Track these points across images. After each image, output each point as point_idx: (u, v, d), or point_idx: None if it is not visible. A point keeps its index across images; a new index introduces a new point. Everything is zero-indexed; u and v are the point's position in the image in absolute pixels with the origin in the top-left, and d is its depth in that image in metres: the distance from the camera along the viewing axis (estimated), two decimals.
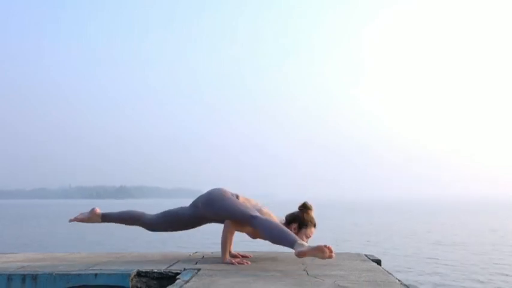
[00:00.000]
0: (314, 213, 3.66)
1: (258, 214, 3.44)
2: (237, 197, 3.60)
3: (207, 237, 19.32)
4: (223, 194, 3.57)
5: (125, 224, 3.91)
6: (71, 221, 3.96)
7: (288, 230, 3.35)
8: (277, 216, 3.64)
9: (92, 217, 3.91)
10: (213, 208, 3.54)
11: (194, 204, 3.70)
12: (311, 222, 3.60)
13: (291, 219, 3.59)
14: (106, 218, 3.91)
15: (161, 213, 3.82)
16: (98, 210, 3.91)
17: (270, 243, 3.54)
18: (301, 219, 3.57)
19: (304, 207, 3.64)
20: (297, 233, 3.53)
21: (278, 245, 3.58)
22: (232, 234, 3.50)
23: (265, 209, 3.57)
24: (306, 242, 3.58)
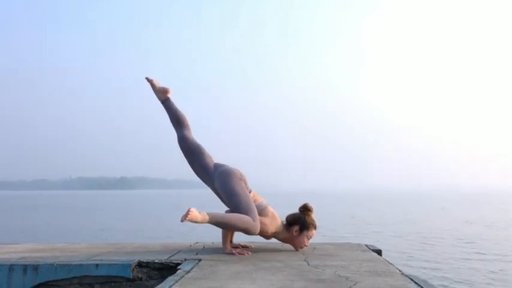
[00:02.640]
0: (314, 215, 3.67)
1: (256, 218, 3.41)
2: (250, 191, 3.59)
3: (207, 227, 19.36)
4: (240, 179, 3.52)
5: (173, 118, 3.80)
6: (146, 78, 3.91)
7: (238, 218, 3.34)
8: (280, 216, 3.64)
9: (162, 91, 3.84)
10: (221, 182, 3.51)
11: (216, 166, 3.64)
12: (312, 224, 3.60)
13: (292, 221, 3.59)
14: (168, 102, 3.84)
15: (197, 143, 3.75)
16: (170, 91, 3.86)
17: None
18: (302, 221, 3.57)
19: (305, 209, 3.63)
20: (298, 235, 3.55)
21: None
22: None
23: (270, 208, 3.57)
24: (307, 243, 3.62)
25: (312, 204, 3.68)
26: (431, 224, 22.01)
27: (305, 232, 3.56)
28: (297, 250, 3.60)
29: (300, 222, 3.57)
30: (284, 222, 3.59)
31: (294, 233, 3.55)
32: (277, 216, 3.57)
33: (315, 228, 3.62)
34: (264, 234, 3.55)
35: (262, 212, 3.50)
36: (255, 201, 3.57)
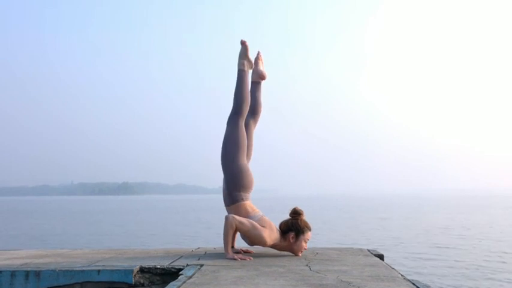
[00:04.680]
0: (305, 217, 3.67)
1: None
2: (244, 199, 3.62)
3: (209, 232, 19.37)
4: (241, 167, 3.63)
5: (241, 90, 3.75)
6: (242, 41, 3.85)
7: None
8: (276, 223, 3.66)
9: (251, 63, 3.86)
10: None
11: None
12: (307, 227, 3.61)
13: (286, 229, 3.60)
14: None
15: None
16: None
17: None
18: (296, 227, 3.58)
19: (296, 214, 3.64)
20: (295, 241, 3.56)
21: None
22: (232, 229, 3.49)
23: (266, 218, 3.58)
24: (305, 246, 3.64)
25: (301, 207, 3.70)
26: (433, 229, 21.95)
27: (301, 237, 3.57)
28: (297, 255, 3.60)
29: (294, 228, 3.58)
30: (279, 231, 3.60)
31: (291, 240, 3.56)
32: (274, 226, 3.58)
33: (310, 230, 3.64)
34: (262, 245, 3.55)
35: (258, 222, 3.50)
36: (252, 210, 3.58)
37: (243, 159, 3.68)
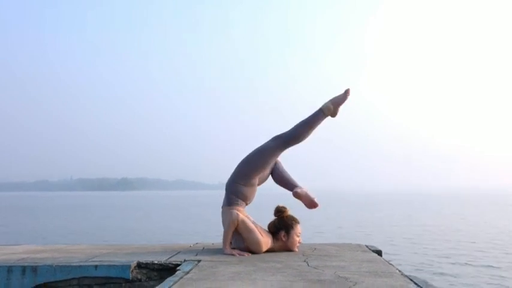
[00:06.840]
0: (289, 211, 3.67)
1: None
2: (242, 205, 3.61)
3: (207, 228, 19.39)
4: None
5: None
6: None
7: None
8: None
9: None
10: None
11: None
12: (294, 221, 3.62)
13: (275, 229, 3.60)
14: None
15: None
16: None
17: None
18: (284, 224, 3.59)
19: (279, 212, 3.65)
20: (288, 239, 3.57)
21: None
22: (234, 225, 3.48)
23: (259, 226, 3.58)
24: (299, 239, 3.64)
25: (283, 203, 3.70)
26: (432, 226, 22.00)
27: (292, 232, 3.58)
28: (294, 251, 3.59)
29: (282, 226, 3.59)
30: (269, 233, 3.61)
31: (283, 239, 3.57)
32: (266, 233, 3.58)
33: (298, 223, 3.64)
34: (256, 251, 3.51)
35: (253, 230, 3.49)
36: (247, 217, 3.57)
37: (256, 177, 3.64)
